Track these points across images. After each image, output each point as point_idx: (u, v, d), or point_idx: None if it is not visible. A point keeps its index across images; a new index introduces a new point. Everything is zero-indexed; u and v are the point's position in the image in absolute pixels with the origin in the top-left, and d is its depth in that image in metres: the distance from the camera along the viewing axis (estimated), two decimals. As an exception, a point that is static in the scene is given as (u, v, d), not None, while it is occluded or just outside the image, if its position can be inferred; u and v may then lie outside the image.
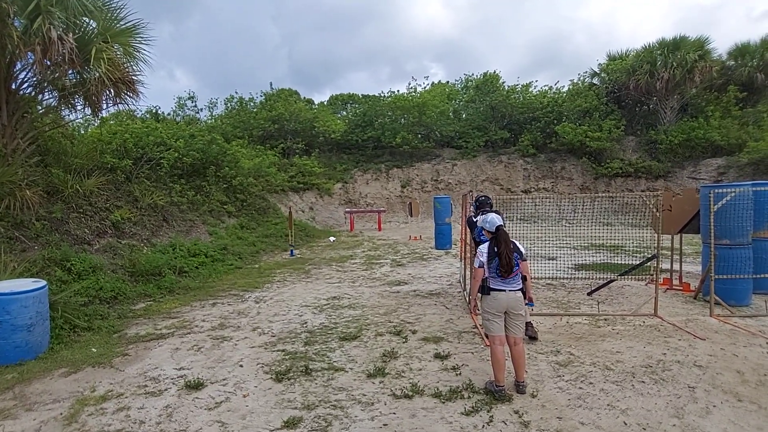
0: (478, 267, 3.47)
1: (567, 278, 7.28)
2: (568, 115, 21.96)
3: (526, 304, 3.50)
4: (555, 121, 22.26)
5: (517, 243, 3.51)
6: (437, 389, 3.35)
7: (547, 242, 11.59)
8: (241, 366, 4.08)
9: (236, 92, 27.37)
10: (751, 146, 16.11)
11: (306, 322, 5.40)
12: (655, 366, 3.75)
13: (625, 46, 25.60)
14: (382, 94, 25.74)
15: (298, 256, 11.73)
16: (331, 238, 15.60)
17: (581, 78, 24.27)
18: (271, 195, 18.64)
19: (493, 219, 3.56)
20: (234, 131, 21.26)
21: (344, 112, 28.34)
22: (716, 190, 5.33)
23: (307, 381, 3.61)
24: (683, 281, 6.67)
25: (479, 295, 3.50)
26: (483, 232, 3.88)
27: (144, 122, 13.51)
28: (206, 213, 12.56)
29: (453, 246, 12.23)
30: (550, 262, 8.97)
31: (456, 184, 24.04)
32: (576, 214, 19.85)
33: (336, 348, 4.40)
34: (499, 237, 3.41)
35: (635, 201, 14.27)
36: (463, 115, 25.92)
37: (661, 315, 5.19)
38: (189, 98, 23.93)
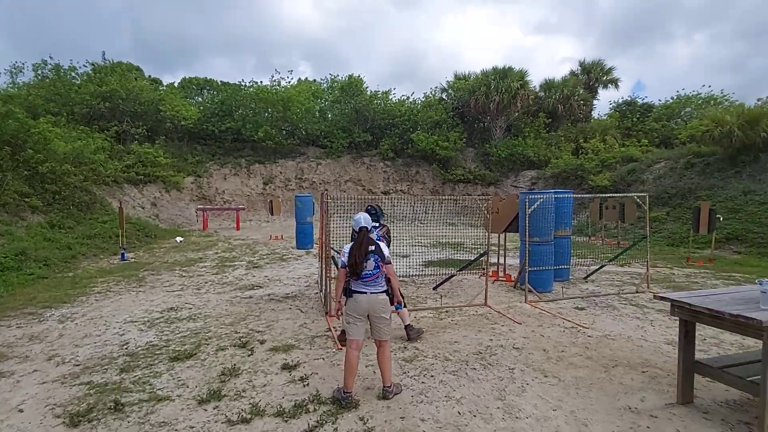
0: (341, 267, 3.39)
1: (417, 275, 7.81)
2: (422, 124, 23.99)
3: (394, 307, 3.48)
4: (411, 129, 24.08)
5: (383, 245, 3.44)
6: (281, 406, 3.07)
7: (402, 241, 12.37)
8: (20, 411, 3.10)
9: (50, 57, 21.72)
10: (553, 162, 20.28)
11: (127, 343, 4.46)
12: (484, 352, 4.21)
13: (468, 69, 29.39)
14: (243, 83, 23.97)
15: (132, 260, 9.92)
16: (178, 239, 13.71)
17: (432, 92, 26.90)
18: (99, 187, 15.42)
19: (358, 219, 3.48)
20: (46, 105, 16.88)
21: (199, 98, 25.34)
22: (530, 197, 6.37)
23: (116, 420, 2.90)
24: (507, 273, 7.86)
25: (344, 297, 3.38)
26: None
27: None
28: (-7, 207, 9.62)
29: (314, 245, 12.05)
30: (404, 259, 9.55)
31: (320, 183, 23.95)
32: (427, 215, 21.81)
33: (163, 372, 3.72)
34: (356, 237, 3.37)
35: (473, 204, 16.31)
36: (329, 115, 26.02)
37: (490, 304, 5.95)
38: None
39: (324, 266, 5.31)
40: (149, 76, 27.67)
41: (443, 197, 20.73)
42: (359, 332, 3.28)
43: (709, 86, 29.41)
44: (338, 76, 27.10)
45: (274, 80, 24.78)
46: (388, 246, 4.47)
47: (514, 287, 7.11)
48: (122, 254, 9.98)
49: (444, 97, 26.62)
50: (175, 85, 28.37)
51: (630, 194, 7.64)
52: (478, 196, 22.20)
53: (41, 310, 5.76)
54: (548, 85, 24.69)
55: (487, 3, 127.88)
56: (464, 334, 4.76)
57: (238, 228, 17.58)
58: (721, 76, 67.40)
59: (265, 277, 7.97)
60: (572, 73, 26.18)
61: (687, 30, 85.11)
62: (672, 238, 12.99)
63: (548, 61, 75.71)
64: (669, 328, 4.94)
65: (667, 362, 3.91)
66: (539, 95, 24.51)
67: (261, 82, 24.12)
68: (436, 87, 27.14)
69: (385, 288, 3.37)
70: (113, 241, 11.16)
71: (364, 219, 3.50)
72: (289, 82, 25.19)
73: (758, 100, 16.46)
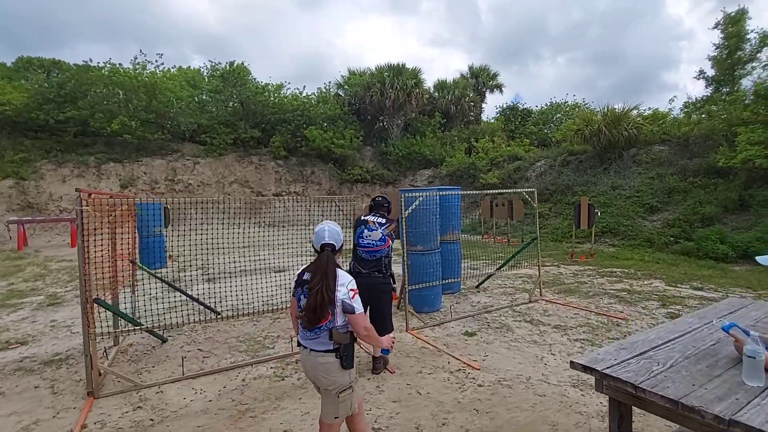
0: (293, 296, 2.25)
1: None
2: (316, 120, 22.24)
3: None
4: (305, 125, 22.15)
5: (348, 281, 2.13)
6: None
7: (290, 250, 10.47)
8: None
9: None
10: (448, 161, 20.19)
11: None
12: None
13: (362, 65, 28.07)
14: (95, 64, 19.47)
15: None
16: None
17: (327, 87, 25.31)
18: None
19: (321, 231, 2.25)
20: None
21: (24, 81, 19.90)
22: (406, 194, 5.08)
23: None
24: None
25: None
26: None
27: None
28: None
29: (168, 263, 9.57)
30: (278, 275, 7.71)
31: (198, 186, 20.67)
32: (324, 218, 20.01)
33: None
34: (316, 261, 2.18)
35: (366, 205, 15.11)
36: (213, 109, 22.58)
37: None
38: None
39: (86, 317, 3.26)
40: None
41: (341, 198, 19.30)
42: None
43: (574, 95, 32.95)
44: (220, 63, 23.85)
45: (137, 63, 20.69)
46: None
47: (398, 308, 5.80)
48: None
49: (340, 93, 25.19)
50: (8, 64, 22.23)
51: (518, 190, 6.93)
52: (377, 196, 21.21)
53: None
54: (441, 86, 24.85)
55: (386, 13, 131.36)
56: (307, 407, 3.16)
57: (73, 244, 13.79)
58: (579, 92, 79.13)
59: (51, 322, 5.45)
60: (462, 76, 26.85)
61: (552, 53, 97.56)
62: (555, 233, 13.27)
63: (442, 69, 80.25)
64: (570, 355, 4.01)
65: (579, 424, 2.81)
66: (433, 95, 24.52)
67: (120, 64, 19.90)
68: (330, 82, 25.66)
69: (331, 346, 2.09)
70: None
71: (329, 232, 2.25)
72: (158, 68, 21.26)
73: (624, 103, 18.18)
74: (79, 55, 72.35)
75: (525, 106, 25.97)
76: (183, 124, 20.99)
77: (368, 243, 3.76)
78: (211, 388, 3.47)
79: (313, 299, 2.01)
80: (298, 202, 15.18)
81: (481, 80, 26.76)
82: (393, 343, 2.38)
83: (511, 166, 17.85)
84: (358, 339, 2.20)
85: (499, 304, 5.96)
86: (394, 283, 4.02)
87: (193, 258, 8.54)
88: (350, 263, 3.94)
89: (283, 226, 17.03)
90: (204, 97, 22.52)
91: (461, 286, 6.98)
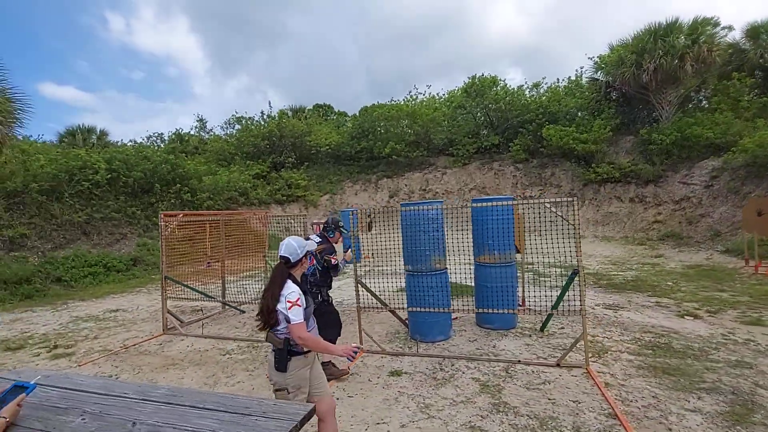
0: None
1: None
2: (558, 116, 20.14)
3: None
4: (547, 123, 20.47)
5: (289, 292, 2.36)
6: None
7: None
8: None
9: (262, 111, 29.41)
10: (741, 144, 13.28)
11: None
12: None
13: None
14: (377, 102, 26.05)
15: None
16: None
17: (579, 73, 22.17)
18: (248, 209, 19.96)
19: (281, 244, 2.54)
20: (228, 149, 23.35)
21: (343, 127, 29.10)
22: (405, 209, 4.92)
23: None
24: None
25: None
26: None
27: (66, 149, 15.12)
28: (145, 227, 14.07)
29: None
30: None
31: (443, 194, 23.34)
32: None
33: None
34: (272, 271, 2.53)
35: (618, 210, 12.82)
36: (462, 123, 24.85)
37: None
38: (198, 120, 27.29)
39: (163, 287, 5.72)
40: (338, 110, 33.90)
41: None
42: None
43: None
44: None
45: (412, 96, 26.02)
46: (327, 270, 4.22)
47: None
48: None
49: (598, 77, 21.44)
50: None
51: None
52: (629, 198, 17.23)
53: (77, 302, 8.41)
54: (754, 32, 16.43)
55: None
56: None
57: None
58: None
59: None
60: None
61: None
62: None
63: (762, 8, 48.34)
64: None
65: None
66: (743, 48, 16.58)
67: (399, 100, 25.76)
68: (583, 67, 22.20)
69: (274, 347, 2.41)
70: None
71: (286, 246, 2.50)
72: (423, 95, 25.83)
73: None
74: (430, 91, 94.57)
75: None
76: (435, 140, 24.34)
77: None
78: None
79: (262, 304, 2.39)
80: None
81: None
82: (353, 353, 2.39)
83: None
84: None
85: (513, 355, 4.52)
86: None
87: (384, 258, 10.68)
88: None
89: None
90: (449, 113, 25.10)
91: (517, 321, 5.54)
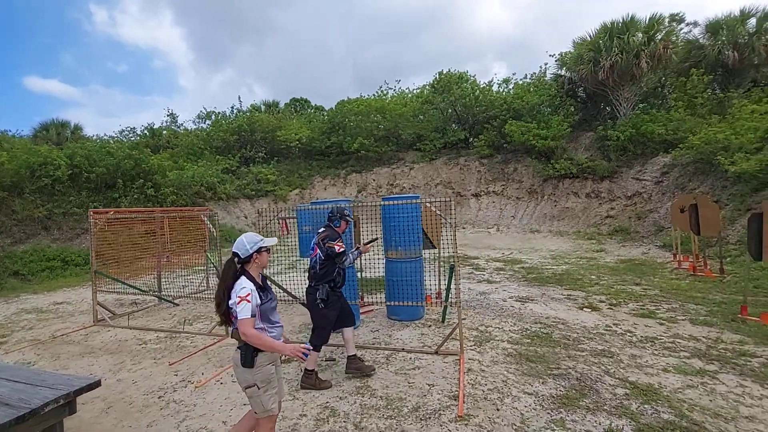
0: None
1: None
2: (521, 112, 20.59)
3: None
4: (510, 119, 20.90)
5: (239, 288, 2.39)
6: None
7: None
8: None
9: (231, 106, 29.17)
10: (688, 142, 13.85)
11: None
12: None
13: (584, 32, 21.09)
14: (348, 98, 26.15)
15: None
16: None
17: (543, 69, 22.61)
18: (216, 204, 19.96)
19: (235, 241, 2.56)
20: (198, 143, 23.22)
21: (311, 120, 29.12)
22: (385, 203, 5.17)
23: None
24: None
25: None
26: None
27: (32, 145, 15.06)
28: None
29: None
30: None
31: (410, 188, 23.67)
32: (514, 221, 18.81)
33: None
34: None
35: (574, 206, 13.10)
36: (429, 119, 25.19)
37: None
38: (168, 115, 26.98)
39: (93, 281, 5.90)
40: (315, 104, 33.85)
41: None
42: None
43: None
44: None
45: (383, 91, 26.19)
46: (331, 258, 3.88)
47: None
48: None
49: (562, 72, 21.91)
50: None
51: None
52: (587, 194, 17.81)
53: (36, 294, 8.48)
54: (714, 27, 17.03)
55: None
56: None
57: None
58: None
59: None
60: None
61: None
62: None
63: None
64: None
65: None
66: (701, 44, 17.10)
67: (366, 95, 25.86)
68: (547, 64, 22.67)
69: (239, 344, 2.46)
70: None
71: (237, 242, 2.53)
72: (393, 91, 26.01)
73: None
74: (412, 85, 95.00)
75: None
76: (404, 135, 24.62)
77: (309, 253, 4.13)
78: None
79: (215, 298, 2.47)
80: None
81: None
82: (301, 353, 2.36)
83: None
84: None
85: (402, 343, 4.85)
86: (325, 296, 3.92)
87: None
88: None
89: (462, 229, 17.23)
90: (418, 108, 25.40)
91: (424, 312, 5.89)
